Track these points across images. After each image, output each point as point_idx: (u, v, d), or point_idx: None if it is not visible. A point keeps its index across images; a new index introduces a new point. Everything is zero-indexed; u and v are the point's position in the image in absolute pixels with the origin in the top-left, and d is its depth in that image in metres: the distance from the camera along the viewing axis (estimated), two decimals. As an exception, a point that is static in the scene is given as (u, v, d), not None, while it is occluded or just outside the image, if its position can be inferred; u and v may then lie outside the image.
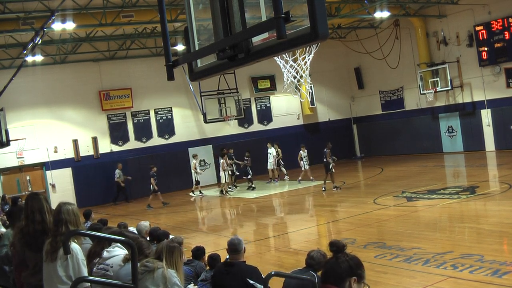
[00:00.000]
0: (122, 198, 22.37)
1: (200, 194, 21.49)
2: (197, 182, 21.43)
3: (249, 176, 20.87)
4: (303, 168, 20.31)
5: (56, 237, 4.16)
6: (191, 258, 7.53)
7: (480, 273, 7.52)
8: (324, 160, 17.44)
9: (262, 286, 5.03)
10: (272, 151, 22.02)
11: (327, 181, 17.76)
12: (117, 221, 10.29)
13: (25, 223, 4.69)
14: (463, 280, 7.40)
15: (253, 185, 20.88)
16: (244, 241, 5.90)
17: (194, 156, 21.60)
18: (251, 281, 5.30)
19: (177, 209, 18.84)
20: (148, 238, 7.89)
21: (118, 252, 4.91)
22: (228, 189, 20.81)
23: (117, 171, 22.11)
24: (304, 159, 20.19)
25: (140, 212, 19.12)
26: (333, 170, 17.36)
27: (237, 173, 22.09)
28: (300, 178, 20.40)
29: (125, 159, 23.23)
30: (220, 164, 20.52)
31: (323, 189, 17.73)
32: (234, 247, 5.63)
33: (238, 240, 5.72)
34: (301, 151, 20.49)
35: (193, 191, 21.71)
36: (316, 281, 5.06)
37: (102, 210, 20.21)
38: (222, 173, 20.59)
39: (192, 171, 21.42)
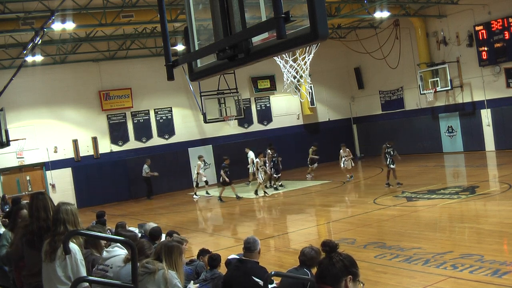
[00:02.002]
0: (144, 194, 22.56)
1: (197, 196, 21.02)
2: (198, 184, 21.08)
3: (279, 175, 20.04)
4: (342, 166, 19.68)
5: (54, 236, 4.17)
6: (193, 257, 7.55)
7: (480, 273, 7.51)
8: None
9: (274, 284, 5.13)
10: (250, 154, 21.50)
11: (390, 177, 16.94)
12: (116, 221, 10.28)
13: (29, 221, 4.72)
14: (463, 280, 7.40)
15: (281, 184, 20.15)
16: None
17: (200, 158, 21.07)
18: (255, 279, 5.36)
19: (177, 209, 18.84)
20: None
21: (118, 253, 4.90)
22: (265, 188, 19.63)
23: (145, 166, 22.27)
24: (344, 159, 19.56)
25: (141, 212, 19.12)
26: (392, 166, 16.62)
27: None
28: (348, 175, 19.68)
29: (125, 159, 23.25)
30: (255, 163, 19.45)
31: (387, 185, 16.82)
32: (248, 246, 5.79)
33: (253, 239, 5.86)
34: (341, 151, 19.78)
35: (195, 193, 21.28)
36: (309, 276, 5.10)
37: (102, 210, 20.18)
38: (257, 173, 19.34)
39: (196, 172, 20.88)
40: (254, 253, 5.81)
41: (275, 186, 20.12)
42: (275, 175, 19.93)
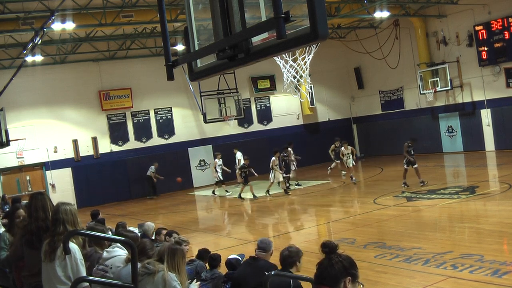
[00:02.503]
0: (145, 194, 22.62)
1: (229, 192, 20.21)
2: (220, 181, 20.47)
3: (288, 175, 19.27)
4: (346, 166, 19.07)
5: (54, 237, 4.17)
6: (192, 258, 7.55)
7: (480, 273, 7.51)
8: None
9: None
10: (238, 155, 21.47)
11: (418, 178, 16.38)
12: (116, 221, 10.28)
13: (28, 221, 4.73)
14: (463, 280, 7.40)
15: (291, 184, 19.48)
16: (244, 241, 5.97)
17: (217, 155, 20.70)
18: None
19: (177, 209, 18.83)
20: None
21: (118, 253, 4.90)
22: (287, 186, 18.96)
23: (152, 167, 22.37)
24: (346, 156, 18.95)
25: (141, 212, 19.11)
26: (405, 167, 16.17)
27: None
28: (350, 176, 19.06)
29: (125, 159, 23.24)
30: (271, 162, 18.51)
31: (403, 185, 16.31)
32: (263, 246, 6.04)
33: (269, 241, 6.15)
34: (342, 148, 19.19)
35: (226, 190, 20.43)
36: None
37: (102, 210, 20.12)
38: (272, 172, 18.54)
39: (212, 169, 20.44)
40: (267, 254, 6.03)
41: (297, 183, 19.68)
42: (284, 175, 19.22)
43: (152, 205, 20.80)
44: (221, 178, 20.46)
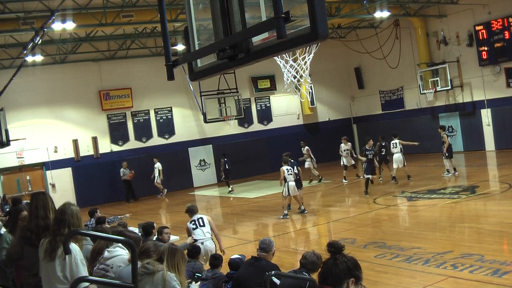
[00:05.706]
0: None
1: (345, 181, 19.36)
2: (345, 167, 19.68)
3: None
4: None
5: (56, 236, 4.17)
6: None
7: (480, 273, 7.52)
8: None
9: (279, 281, 5.33)
10: (158, 165, 21.99)
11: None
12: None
13: (28, 219, 4.74)
14: (463, 280, 7.40)
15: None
16: (244, 241, 5.99)
17: (344, 139, 19.60)
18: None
19: (177, 209, 18.83)
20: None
21: (119, 252, 4.91)
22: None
23: (122, 169, 22.22)
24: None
25: (140, 212, 19.10)
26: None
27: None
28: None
29: (125, 159, 23.23)
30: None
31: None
32: (264, 246, 6.12)
33: (269, 241, 6.22)
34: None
35: (344, 177, 19.63)
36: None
37: (102, 210, 20.11)
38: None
39: (341, 153, 19.60)
40: (269, 254, 6.10)
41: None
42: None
43: (152, 205, 20.80)
44: (345, 163, 19.61)
